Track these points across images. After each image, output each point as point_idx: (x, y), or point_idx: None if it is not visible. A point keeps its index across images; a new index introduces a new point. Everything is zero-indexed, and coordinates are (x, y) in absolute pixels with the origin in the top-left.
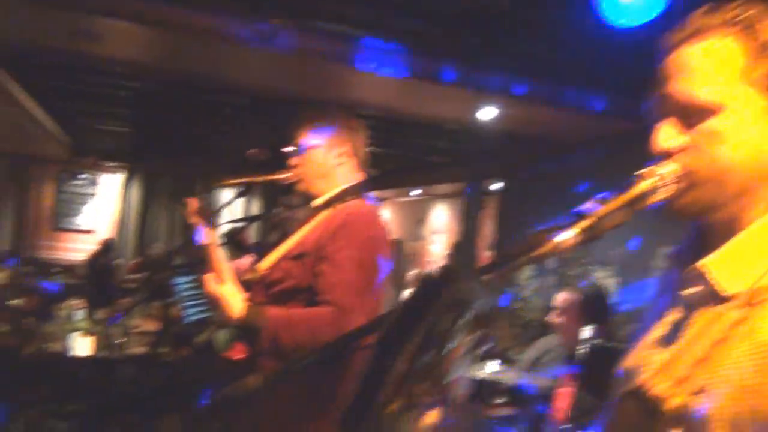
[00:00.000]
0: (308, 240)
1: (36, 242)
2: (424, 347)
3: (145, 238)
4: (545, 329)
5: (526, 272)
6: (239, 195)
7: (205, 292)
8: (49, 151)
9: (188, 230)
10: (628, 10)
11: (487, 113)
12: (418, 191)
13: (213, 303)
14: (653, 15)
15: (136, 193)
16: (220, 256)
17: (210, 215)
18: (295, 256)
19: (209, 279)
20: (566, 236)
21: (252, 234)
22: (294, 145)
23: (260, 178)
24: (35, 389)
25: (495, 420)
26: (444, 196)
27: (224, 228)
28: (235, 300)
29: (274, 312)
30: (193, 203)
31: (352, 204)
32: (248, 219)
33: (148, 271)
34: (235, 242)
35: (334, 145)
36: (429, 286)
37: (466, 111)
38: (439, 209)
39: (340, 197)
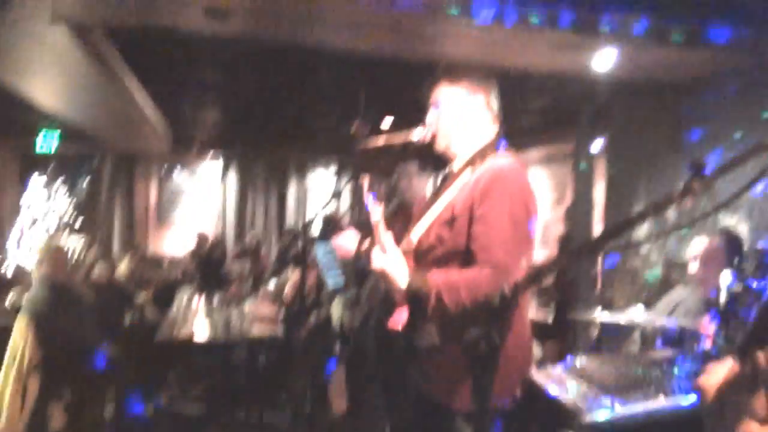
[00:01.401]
0: (457, 202)
1: (144, 238)
2: None
3: (244, 227)
4: (667, 285)
5: (643, 230)
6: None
7: (371, 265)
8: (153, 145)
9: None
10: None
11: (604, 60)
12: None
13: (380, 275)
14: None
15: (232, 180)
16: (383, 228)
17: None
18: (447, 221)
19: (376, 251)
20: None
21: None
22: (428, 102)
23: (399, 139)
24: (167, 374)
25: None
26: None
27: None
28: (401, 270)
29: (437, 277)
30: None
31: (497, 162)
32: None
33: (245, 258)
34: (327, 222)
35: (472, 98)
36: None
37: (579, 59)
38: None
39: (481, 156)
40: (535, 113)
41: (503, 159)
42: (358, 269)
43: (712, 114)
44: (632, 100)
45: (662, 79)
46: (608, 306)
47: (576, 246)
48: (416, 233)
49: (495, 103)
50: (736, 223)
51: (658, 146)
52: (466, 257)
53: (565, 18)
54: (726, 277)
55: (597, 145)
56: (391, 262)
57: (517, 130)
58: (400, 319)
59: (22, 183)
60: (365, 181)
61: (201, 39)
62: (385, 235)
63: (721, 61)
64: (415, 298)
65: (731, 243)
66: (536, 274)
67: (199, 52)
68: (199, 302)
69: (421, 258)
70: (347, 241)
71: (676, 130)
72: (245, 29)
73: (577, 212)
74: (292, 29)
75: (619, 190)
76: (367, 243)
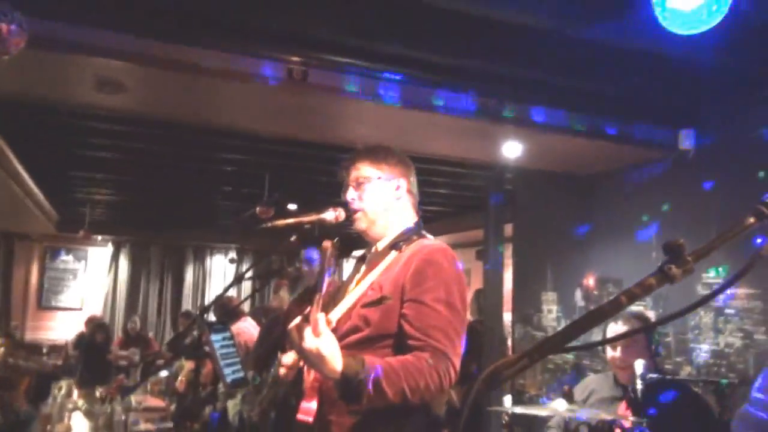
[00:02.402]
0: (385, 283)
1: (23, 321)
2: None
3: (135, 312)
4: (578, 371)
5: (552, 314)
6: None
7: (301, 346)
8: (36, 227)
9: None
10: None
11: (512, 149)
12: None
13: (309, 358)
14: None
15: (123, 265)
16: (317, 307)
17: (332, 263)
18: (372, 302)
19: (308, 332)
20: None
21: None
22: (348, 181)
23: (310, 218)
24: None
25: None
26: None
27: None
28: (335, 352)
29: (374, 361)
30: (330, 245)
31: (426, 243)
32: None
33: (132, 346)
34: (225, 308)
35: (394, 179)
36: None
37: (487, 148)
38: None
39: (405, 238)
40: (440, 199)
41: (432, 241)
42: (260, 357)
43: (616, 203)
44: (538, 187)
45: (567, 169)
46: (519, 394)
47: (543, 343)
48: (335, 314)
49: (414, 188)
50: (643, 309)
51: (563, 232)
52: (396, 341)
53: (470, 104)
54: (639, 366)
55: (505, 231)
56: (325, 343)
57: (423, 215)
58: (309, 410)
59: None
60: (328, 250)
61: (91, 114)
62: (318, 315)
63: (624, 154)
64: (348, 384)
65: (646, 329)
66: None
67: (88, 128)
68: (79, 394)
69: (340, 339)
70: (247, 329)
71: (581, 219)
72: (140, 105)
73: (488, 298)
74: (190, 107)
75: (526, 276)
76: (294, 322)
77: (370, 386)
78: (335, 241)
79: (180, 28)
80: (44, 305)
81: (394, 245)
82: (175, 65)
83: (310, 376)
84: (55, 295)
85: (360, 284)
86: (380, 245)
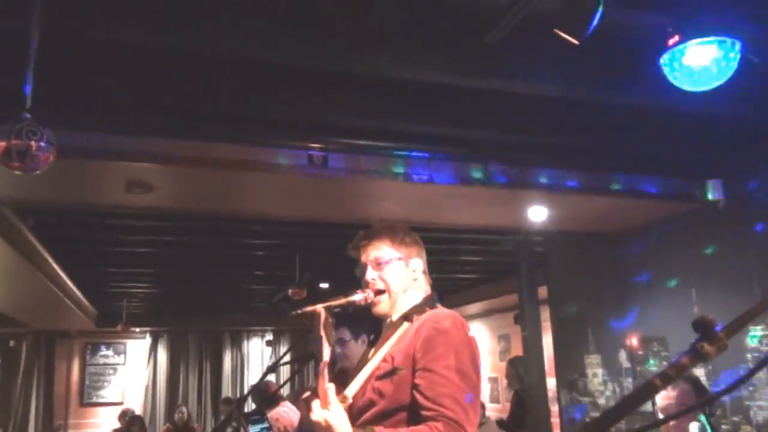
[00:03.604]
0: (396, 354)
1: (66, 419)
2: None
3: (176, 401)
4: None
5: (598, 378)
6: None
7: (310, 419)
8: (76, 324)
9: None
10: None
11: (538, 213)
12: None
13: (318, 430)
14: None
15: (162, 355)
16: (326, 380)
17: (331, 332)
18: (385, 374)
19: (315, 405)
20: None
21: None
22: (368, 259)
23: (339, 302)
24: None
25: None
26: (479, 315)
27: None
28: (342, 424)
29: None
30: (322, 313)
31: (437, 312)
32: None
33: None
34: (263, 394)
35: (411, 259)
36: None
37: (513, 214)
38: (476, 329)
39: (418, 310)
40: (473, 267)
41: (441, 310)
42: None
43: (651, 258)
44: (569, 248)
45: (596, 229)
46: None
47: (601, 416)
48: (351, 389)
49: (426, 267)
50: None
51: (600, 293)
52: (410, 412)
53: (498, 174)
54: (695, 428)
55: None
56: (333, 414)
57: (455, 285)
58: None
59: None
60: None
61: (123, 213)
62: (328, 388)
63: (654, 209)
64: None
65: (697, 389)
66: None
67: (121, 226)
68: None
69: (357, 415)
70: (286, 414)
71: (616, 277)
72: (169, 201)
73: (529, 363)
74: (217, 198)
75: (566, 339)
76: (304, 395)
77: None
78: (326, 306)
79: (200, 126)
80: (86, 401)
81: (407, 317)
82: (199, 161)
83: None
84: (96, 391)
85: (374, 357)
86: (394, 317)
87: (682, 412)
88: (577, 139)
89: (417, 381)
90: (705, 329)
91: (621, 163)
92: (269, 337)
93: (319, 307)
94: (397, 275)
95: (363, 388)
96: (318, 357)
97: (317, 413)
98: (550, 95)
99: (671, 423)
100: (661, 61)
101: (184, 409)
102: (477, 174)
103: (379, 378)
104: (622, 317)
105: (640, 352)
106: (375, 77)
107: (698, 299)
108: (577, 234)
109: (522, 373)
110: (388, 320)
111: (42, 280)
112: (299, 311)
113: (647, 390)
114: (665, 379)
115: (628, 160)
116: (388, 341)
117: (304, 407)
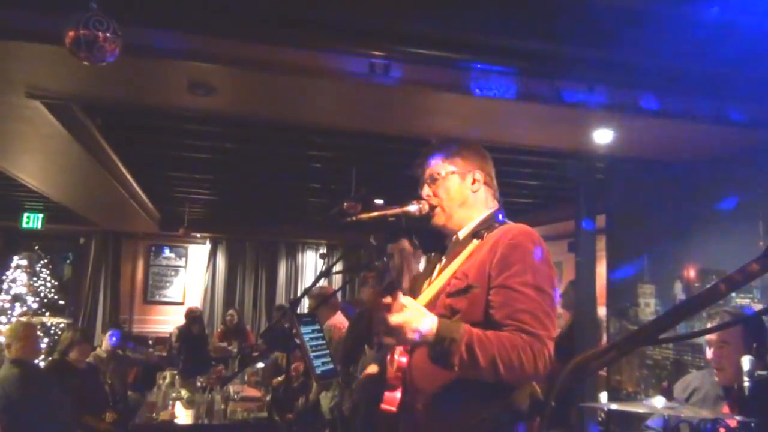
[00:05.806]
0: (470, 271)
1: (130, 315)
2: None
3: (233, 305)
4: (678, 368)
5: (650, 308)
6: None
7: (389, 326)
8: (141, 226)
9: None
10: None
11: (603, 136)
12: None
13: (400, 334)
14: None
15: (221, 261)
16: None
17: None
18: (458, 291)
19: (393, 309)
20: None
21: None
22: (425, 176)
23: (394, 211)
24: None
25: None
26: None
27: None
28: (424, 317)
29: (470, 326)
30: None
31: (511, 227)
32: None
33: (232, 337)
34: (322, 296)
35: (468, 173)
36: None
37: (576, 136)
38: None
39: (486, 226)
40: (529, 190)
41: (513, 225)
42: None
43: (716, 190)
44: (632, 176)
45: (662, 157)
46: (615, 391)
47: (632, 334)
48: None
49: (493, 180)
50: (749, 303)
51: (660, 222)
52: (483, 328)
53: (565, 92)
54: (746, 363)
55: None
56: (411, 312)
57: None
58: (393, 399)
59: (5, 260)
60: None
61: (185, 116)
62: (403, 296)
63: (722, 139)
64: (441, 342)
65: (750, 325)
66: (586, 364)
67: (183, 130)
68: (181, 384)
69: None
70: (343, 320)
71: (679, 209)
72: (229, 105)
73: (580, 291)
74: (277, 105)
75: (620, 268)
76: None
77: (463, 347)
78: (382, 214)
79: (264, 29)
80: (149, 300)
81: (476, 234)
82: (261, 64)
83: (393, 367)
84: (159, 290)
85: (442, 274)
86: (461, 234)
87: (714, 328)
88: (657, 60)
89: (493, 298)
90: None
91: (696, 86)
92: (323, 250)
93: (406, 242)
94: (451, 189)
95: (432, 303)
96: (398, 284)
97: (396, 318)
98: (631, 8)
99: (710, 360)
100: None
101: (233, 312)
102: (542, 91)
103: (451, 295)
104: (681, 248)
105: (697, 284)
106: None
107: (765, 234)
108: (642, 161)
109: (573, 298)
110: (455, 237)
111: (109, 181)
112: (355, 217)
113: (710, 294)
114: (730, 284)
115: (711, 84)
116: (456, 258)
117: (381, 319)
